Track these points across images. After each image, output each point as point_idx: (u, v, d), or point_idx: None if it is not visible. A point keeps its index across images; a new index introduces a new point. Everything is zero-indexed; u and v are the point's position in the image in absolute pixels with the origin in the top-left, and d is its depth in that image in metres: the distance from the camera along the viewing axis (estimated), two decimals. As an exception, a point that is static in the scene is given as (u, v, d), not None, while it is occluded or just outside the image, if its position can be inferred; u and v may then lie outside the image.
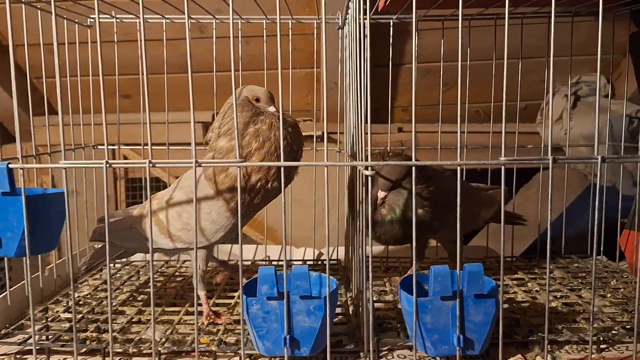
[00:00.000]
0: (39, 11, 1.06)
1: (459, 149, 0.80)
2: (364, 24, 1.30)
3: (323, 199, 0.77)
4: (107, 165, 0.76)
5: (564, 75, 2.06)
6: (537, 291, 1.09)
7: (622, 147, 1.37)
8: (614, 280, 1.14)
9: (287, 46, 1.28)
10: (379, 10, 1.19)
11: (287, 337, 0.79)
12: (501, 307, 0.78)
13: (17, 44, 1.01)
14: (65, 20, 1.16)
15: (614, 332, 0.88)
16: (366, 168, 0.79)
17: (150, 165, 0.76)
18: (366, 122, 0.83)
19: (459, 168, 0.77)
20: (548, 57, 0.76)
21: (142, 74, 0.78)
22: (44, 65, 1.06)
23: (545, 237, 1.84)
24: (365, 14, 0.87)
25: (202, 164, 0.78)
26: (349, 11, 1.03)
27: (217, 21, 1.24)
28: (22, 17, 0.98)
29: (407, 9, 1.24)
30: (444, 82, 2.15)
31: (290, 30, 1.26)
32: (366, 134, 0.81)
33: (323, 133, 1.20)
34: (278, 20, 0.79)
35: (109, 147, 1.33)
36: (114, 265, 1.31)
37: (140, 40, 0.75)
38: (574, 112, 2.18)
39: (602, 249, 1.28)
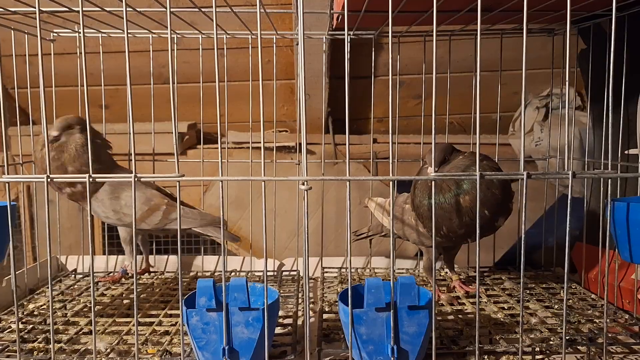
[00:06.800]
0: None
1: (395, 160, 0.82)
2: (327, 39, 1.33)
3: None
4: (49, 179, 0.77)
5: (537, 88, 2.09)
6: (485, 302, 1.11)
7: (589, 160, 1.39)
8: (562, 292, 1.16)
9: (264, 58, 1.31)
10: (333, 27, 1.21)
11: (226, 348, 0.81)
12: (434, 318, 0.80)
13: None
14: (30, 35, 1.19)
15: (550, 342, 0.91)
16: (303, 183, 0.81)
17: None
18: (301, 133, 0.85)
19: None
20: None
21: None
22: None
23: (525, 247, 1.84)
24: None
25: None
26: (297, 28, 1.06)
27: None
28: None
29: (365, 25, 1.26)
30: (419, 93, 2.16)
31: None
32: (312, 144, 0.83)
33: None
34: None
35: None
36: (75, 276, 1.32)
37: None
38: (544, 124, 2.21)
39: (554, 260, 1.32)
